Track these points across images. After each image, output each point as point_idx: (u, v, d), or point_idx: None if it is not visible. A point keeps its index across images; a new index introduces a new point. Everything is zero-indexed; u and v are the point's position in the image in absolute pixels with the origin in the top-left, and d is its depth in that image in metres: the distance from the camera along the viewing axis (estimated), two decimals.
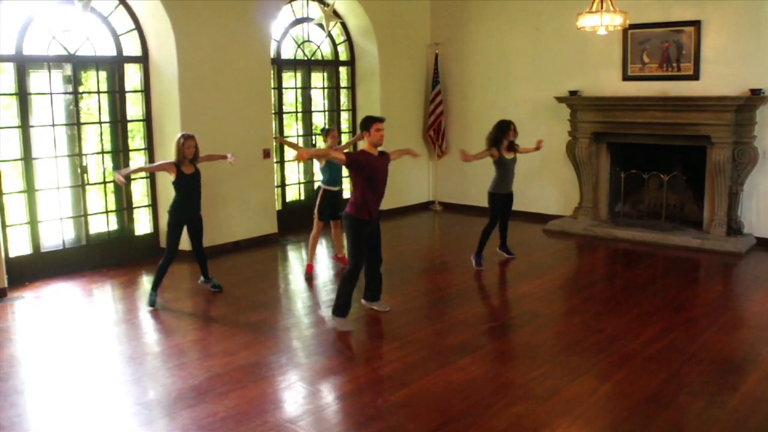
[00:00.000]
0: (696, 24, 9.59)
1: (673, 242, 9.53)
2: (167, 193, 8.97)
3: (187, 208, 7.24)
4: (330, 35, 11.25)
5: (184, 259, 8.80)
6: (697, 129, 9.48)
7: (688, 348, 5.93)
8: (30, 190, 8.01)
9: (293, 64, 10.81)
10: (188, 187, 7.19)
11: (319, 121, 11.45)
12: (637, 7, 9.25)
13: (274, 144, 10.18)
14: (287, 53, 10.73)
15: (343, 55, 11.64)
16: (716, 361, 5.66)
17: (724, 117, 9.20)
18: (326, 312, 6.96)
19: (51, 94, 8.16)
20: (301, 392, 5.24)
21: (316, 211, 8.15)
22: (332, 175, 8.11)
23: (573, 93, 10.53)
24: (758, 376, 5.36)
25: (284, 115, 10.70)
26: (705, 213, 9.85)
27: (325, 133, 8.26)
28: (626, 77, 10.29)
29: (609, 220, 10.61)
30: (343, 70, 11.68)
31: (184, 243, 7.55)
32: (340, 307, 6.44)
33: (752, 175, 9.44)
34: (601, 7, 8.05)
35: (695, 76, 9.69)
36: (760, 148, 9.36)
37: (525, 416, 4.74)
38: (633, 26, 9.25)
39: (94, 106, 8.60)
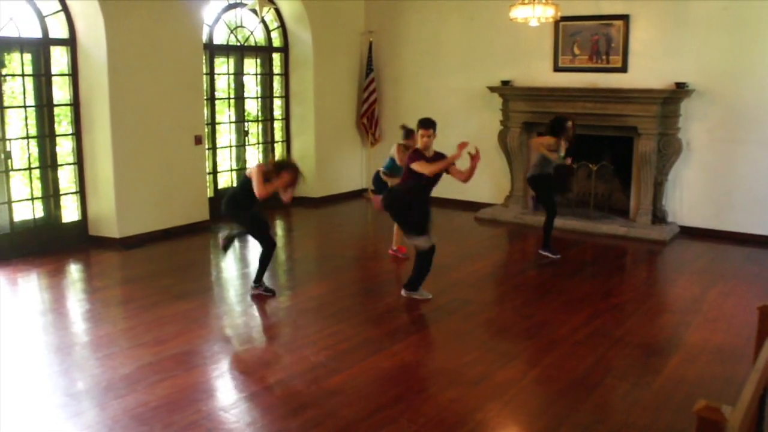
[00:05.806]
0: (625, 18, 9.82)
1: (600, 230, 9.77)
2: (95, 180, 8.79)
3: None
4: (263, 21, 11.13)
5: (113, 248, 8.64)
6: (625, 120, 9.73)
7: (614, 333, 6.11)
8: None
9: (226, 50, 10.66)
10: None
11: (252, 107, 11.33)
12: (568, 0, 9.41)
13: (206, 130, 10.03)
14: (220, 38, 10.57)
15: (276, 42, 11.54)
16: (641, 345, 5.85)
17: (650, 109, 9.46)
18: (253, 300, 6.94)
19: None
20: (233, 380, 5.22)
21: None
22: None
23: (505, 83, 10.66)
24: (679, 359, 5.56)
25: (216, 101, 10.55)
26: (631, 202, 10.12)
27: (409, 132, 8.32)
28: (557, 68, 10.48)
29: (539, 208, 10.79)
30: (276, 57, 11.58)
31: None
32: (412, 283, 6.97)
33: (676, 166, 9.73)
34: None
35: (624, 69, 9.93)
36: (684, 139, 9.66)
37: (457, 401, 4.82)
38: (564, 18, 9.40)
39: (19, 90, 8.31)
